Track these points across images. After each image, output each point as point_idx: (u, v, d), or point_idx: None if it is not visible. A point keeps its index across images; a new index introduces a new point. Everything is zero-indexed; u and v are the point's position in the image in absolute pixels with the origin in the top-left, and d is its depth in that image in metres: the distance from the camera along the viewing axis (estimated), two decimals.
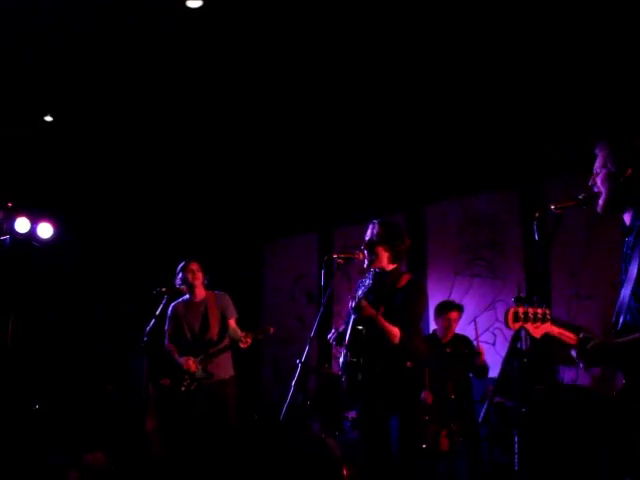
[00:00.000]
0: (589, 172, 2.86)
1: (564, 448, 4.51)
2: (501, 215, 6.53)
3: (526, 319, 2.57)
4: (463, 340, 5.77)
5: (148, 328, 5.17)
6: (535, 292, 3.06)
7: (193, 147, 7.39)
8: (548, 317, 2.58)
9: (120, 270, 8.29)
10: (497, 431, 5.09)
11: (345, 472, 4.71)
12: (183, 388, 5.40)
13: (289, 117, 6.69)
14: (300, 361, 3.90)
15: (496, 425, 5.13)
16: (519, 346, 2.68)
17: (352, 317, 4.03)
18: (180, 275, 5.62)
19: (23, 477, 6.15)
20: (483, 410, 3.14)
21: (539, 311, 2.58)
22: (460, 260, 6.79)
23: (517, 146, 6.27)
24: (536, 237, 2.83)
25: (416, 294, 4.09)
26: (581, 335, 2.63)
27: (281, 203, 8.31)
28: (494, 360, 6.07)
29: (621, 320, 2.65)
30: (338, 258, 4.13)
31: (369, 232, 4.14)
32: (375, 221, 4.16)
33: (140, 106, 6.56)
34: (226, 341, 5.57)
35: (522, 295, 2.64)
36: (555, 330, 2.63)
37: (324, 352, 7.68)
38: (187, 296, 5.69)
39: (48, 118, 6.77)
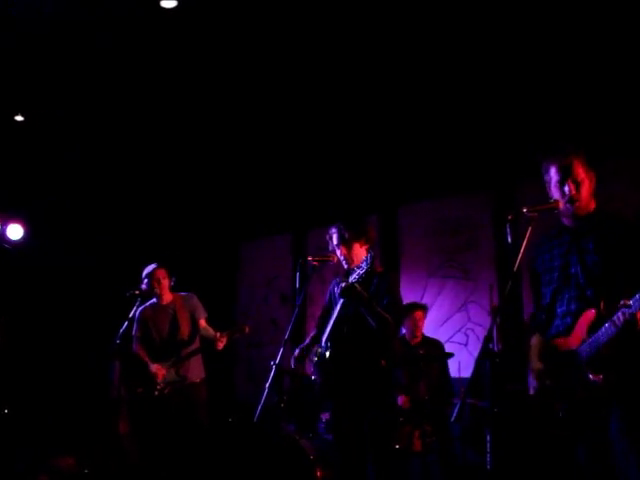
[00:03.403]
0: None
1: (536, 448, 4.56)
2: (474, 217, 6.60)
3: None
4: (434, 343, 5.81)
5: (121, 331, 5.13)
6: (507, 294, 3.11)
7: (168, 147, 7.35)
8: None
9: (92, 271, 8.20)
10: (470, 431, 5.14)
11: (319, 474, 4.71)
12: (156, 393, 5.33)
13: (263, 118, 6.69)
14: (274, 363, 3.90)
15: (469, 425, 5.17)
16: (491, 347, 2.71)
17: (335, 311, 4.00)
18: (146, 281, 5.55)
19: None
20: (456, 410, 3.18)
21: None
22: (433, 262, 6.84)
23: (490, 148, 6.35)
24: (508, 239, 2.87)
25: (392, 284, 4.11)
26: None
27: (255, 204, 8.31)
28: (467, 361, 6.12)
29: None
30: (313, 261, 4.14)
31: (336, 237, 4.14)
32: (337, 225, 4.15)
33: (110, 105, 6.51)
34: (197, 343, 5.52)
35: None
36: None
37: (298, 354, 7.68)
38: (154, 300, 5.63)
39: (19, 118, 6.69)
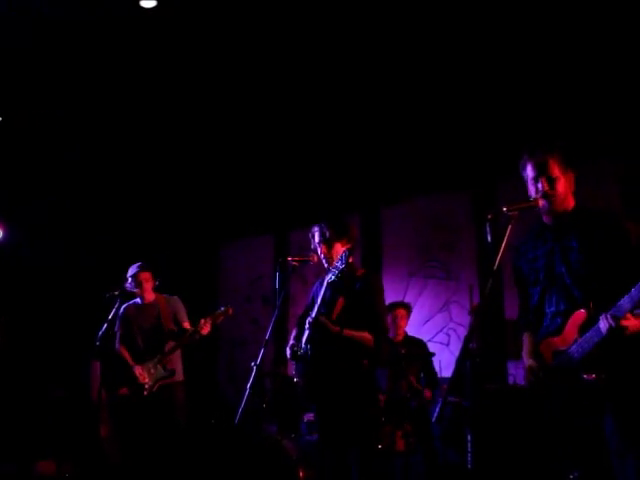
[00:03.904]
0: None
1: (515, 446, 4.58)
2: (456, 216, 6.62)
3: None
4: (417, 343, 5.82)
5: (100, 332, 5.08)
6: (487, 293, 3.11)
7: (148, 149, 7.31)
8: None
9: (72, 272, 8.13)
10: (451, 430, 5.15)
11: (301, 474, 4.70)
12: (146, 392, 5.28)
13: (243, 119, 6.66)
14: (255, 364, 3.87)
15: (450, 424, 5.18)
16: (471, 346, 2.71)
17: (313, 312, 3.97)
18: (130, 280, 5.54)
19: None
20: (437, 410, 3.17)
21: None
22: (414, 261, 6.85)
23: (471, 147, 6.36)
24: (488, 239, 2.87)
25: (376, 290, 4.07)
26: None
27: (236, 205, 8.28)
28: (448, 360, 6.14)
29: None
30: (293, 261, 4.13)
31: (317, 235, 4.12)
32: (319, 225, 4.13)
33: (90, 104, 6.44)
34: (179, 341, 5.46)
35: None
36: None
37: (280, 355, 7.67)
38: (138, 300, 5.63)
39: None
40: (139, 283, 5.51)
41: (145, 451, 5.30)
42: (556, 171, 2.89)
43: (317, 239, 4.11)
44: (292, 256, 4.21)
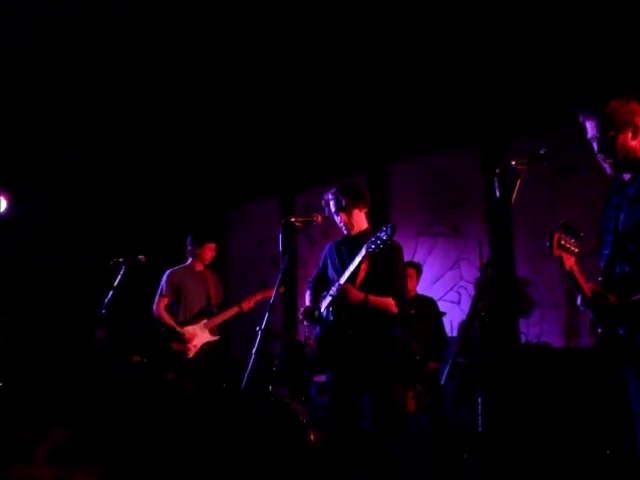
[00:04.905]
0: (553, 127, 2.85)
1: (528, 409, 4.52)
2: (464, 172, 6.46)
3: (564, 249, 2.58)
4: (427, 301, 5.75)
5: (106, 300, 5.03)
6: (498, 249, 3.02)
7: (151, 115, 7.18)
8: (577, 251, 2.57)
9: (78, 242, 8.09)
10: (461, 392, 5.10)
11: (312, 437, 4.67)
12: (191, 354, 5.64)
13: (246, 82, 6.50)
14: (260, 328, 3.83)
15: (460, 385, 5.13)
16: (481, 306, 2.62)
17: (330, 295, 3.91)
18: (194, 246, 5.93)
19: None
20: (446, 371, 3.11)
21: (572, 242, 2.58)
22: (423, 220, 6.73)
23: (481, 100, 6.16)
24: (497, 194, 2.79)
25: (398, 255, 4.03)
26: (594, 288, 2.62)
27: (240, 169, 8.15)
28: (459, 319, 6.07)
29: (618, 270, 2.68)
30: (296, 222, 4.08)
31: (333, 204, 4.07)
32: (332, 192, 4.08)
33: (93, 72, 6.32)
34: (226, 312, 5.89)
35: (566, 222, 2.62)
36: (575, 269, 2.61)
37: (289, 318, 7.63)
38: (188, 264, 5.98)
39: None
40: (203, 251, 5.91)
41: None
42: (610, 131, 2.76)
43: (333, 208, 4.07)
44: (295, 217, 4.15)
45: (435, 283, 6.48)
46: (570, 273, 2.63)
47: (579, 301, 2.66)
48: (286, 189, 8.06)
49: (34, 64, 6.06)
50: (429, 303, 5.75)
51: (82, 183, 8.04)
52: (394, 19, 5.45)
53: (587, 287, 2.64)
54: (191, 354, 5.65)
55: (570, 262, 2.62)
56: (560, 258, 2.59)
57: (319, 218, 4.11)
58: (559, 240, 2.57)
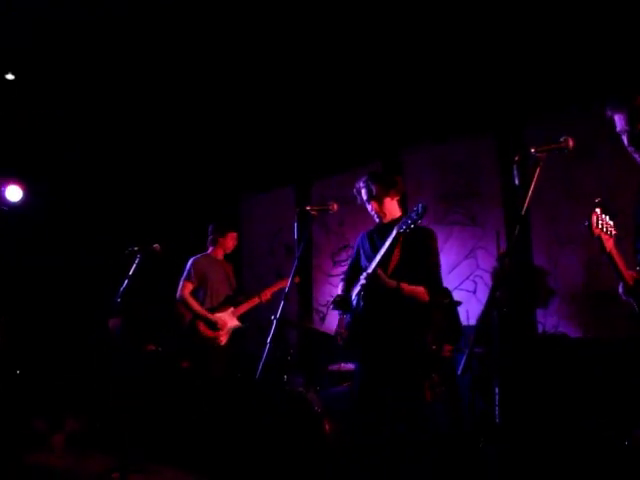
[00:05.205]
0: (570, 114, 2.81)
1: (546, 400, 4.47)
2: (480, 160, 6.39)
3: (603, 229, 2.53)
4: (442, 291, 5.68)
5: (122, 289, 5.04)
6: (515, 238, 2.98)
7: (166, 103, 7.17)
8: (614, 233, 2.53)
9: (93, 230, 8.11)
10: (479, 381, 5.05)
11: (327, 427, 4.65)
12: (223, 341, 5.78)
13: (262, 70, 6.46)
14: (275, 317, 3.82)
15: (477, 375, 5.08)
16: (498, 295, 2.58)
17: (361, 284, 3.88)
18: (217, 235, 6.03)
19: (7, 443, 6.11)
20: (463, 361, 3.08)
21: (609, 223, 2.54)
22: (439, 208, 6.67)
23: (496, 87, 6.08)
24: (516, 182, 2.76)
25: (432, 243, 4.00)
26: (636, 277, 2.57)
27: (256, 158, 8.12)
28: (475, 309, 6.02)
29: None
30: (312, 210, 4.06)
31: (364, 192, 4.05)
32: (364, 180, 4.06)
33: (104, 64, 6.31)
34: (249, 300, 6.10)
35: (601, 200, 2.58)
36: (615, 252, 2.57)
37: (304, 307, 7.62)
38: (208, 252, 6.09)
39: (9, 76, 6.51)
40: (225, 239, 6.04)
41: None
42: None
43: (365, 196, 4.05)
44: (310, 205, 4.14)
45: (451, 272, 6.42)
46: (609, 256, 2.57)
47: (620, 289, 2.61)
48: (301, 178, 8.03)
49: (34, 64, 6.09)
50: (444, 292, 5.69)
51: (93, 174, 8.07)
52: (407, 7, 5.38)
53: (628, 274, 2.59)
54: (224, 340, 5.78)
55: (610, 244, 2.56)
56: (599, 239, 2.53)
57: (334, 206, 4.08)
58: (597, 220, 2.52)
